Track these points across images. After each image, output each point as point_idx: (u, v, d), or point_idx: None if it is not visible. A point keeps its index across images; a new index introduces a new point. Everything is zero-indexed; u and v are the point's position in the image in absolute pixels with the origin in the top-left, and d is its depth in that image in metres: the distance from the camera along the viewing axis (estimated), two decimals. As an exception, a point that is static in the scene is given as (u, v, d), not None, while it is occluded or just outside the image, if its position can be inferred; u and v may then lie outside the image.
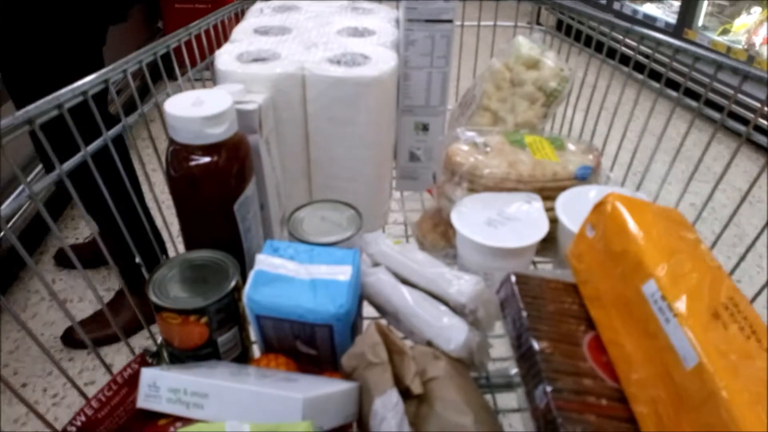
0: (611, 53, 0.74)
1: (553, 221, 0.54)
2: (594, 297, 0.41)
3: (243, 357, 0.48)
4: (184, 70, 0.66)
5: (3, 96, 1.19)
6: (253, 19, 0.74)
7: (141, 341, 1.21)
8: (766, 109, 0.55)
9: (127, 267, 1.23)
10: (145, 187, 0.57)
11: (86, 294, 1.44)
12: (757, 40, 2.20)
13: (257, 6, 0.79)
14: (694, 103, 0.62)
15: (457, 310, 0.44)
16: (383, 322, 0.46)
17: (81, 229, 1.65)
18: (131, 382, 0.41)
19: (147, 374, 0.36)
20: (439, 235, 0.62)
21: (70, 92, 0.45)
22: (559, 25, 0.82)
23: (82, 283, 1.47)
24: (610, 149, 0.74)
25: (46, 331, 1.32)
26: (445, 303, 0.45)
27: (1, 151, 0.38)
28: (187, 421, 0.35)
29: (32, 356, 1.26)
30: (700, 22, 2.49)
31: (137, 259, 0.56)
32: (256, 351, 0.48)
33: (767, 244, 0.53)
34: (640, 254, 0.36)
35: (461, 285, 0.45)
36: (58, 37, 0.99)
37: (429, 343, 0.43)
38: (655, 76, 0.66)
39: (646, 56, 0.68)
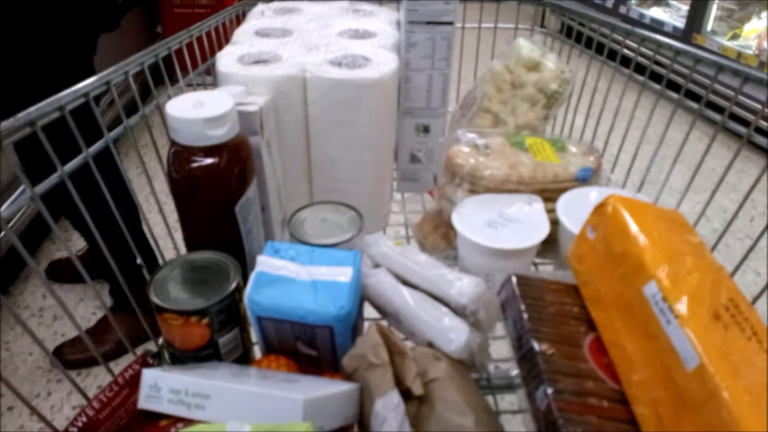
0: (612, 55, 0.74)
1: (554, 223, 0.54)
2: (595, 298, 0.41)
3: (244, 358, 0.48)
4: (185, 73, 0.66)
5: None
6: (254, 21, 0.74)
7: (139, 352, 1.20)
8: (767, 110, 0.55)
9: (118, 282, 1.19)
10: (147, 189, 0.57)
11: (78, 310, 1.39)
12: (768, 45, 2.17)
13: (258, 8, 0.79)
14: (695, 105, 0.62)
15: (457, 311, 0.44)
16: (384, 323, 0.46)
17: (74, 241, 1.58)
18: (132, 382, 0.41)
19: (148, 375, 0.36)
20: (440, 236, 0.62)
21: (72, 94, 0.46)
22: (569, 31, 0.82)
23: (73, 298, 1.42)
24: (611, 151, 0.74)
25: (35, 350, 1.28)
26: (446, 304, 0.45)
27: (0, 153, 0.38)
28: (188, 421, 0.35)
29: (19, 377, 1.21)
30: (709, 26, 2.43)
31: (138, 260, 0.56)
32: (257, 352, 0.48)
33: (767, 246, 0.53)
34: (641, 256, 0.36)
35: (462, 286, 0.45)
36: (47, 46, 0.96)
37: (430, 345, 0.43)
38: (656, 78, 0.66)
39: (648, 58, 0.68)
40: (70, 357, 1.22)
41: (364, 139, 0.63)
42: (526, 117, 0.70)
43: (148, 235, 0.58)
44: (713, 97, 0.66)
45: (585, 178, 0.59)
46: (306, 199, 0.68)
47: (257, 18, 0.76)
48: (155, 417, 0.36)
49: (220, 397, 0.34)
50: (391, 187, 0.75)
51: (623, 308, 0.37)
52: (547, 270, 0.61)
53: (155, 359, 0.52)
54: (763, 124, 1.88)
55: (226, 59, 0.61)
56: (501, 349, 0.49)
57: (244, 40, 0.67)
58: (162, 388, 0.36)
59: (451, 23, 0.66)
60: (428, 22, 0.65)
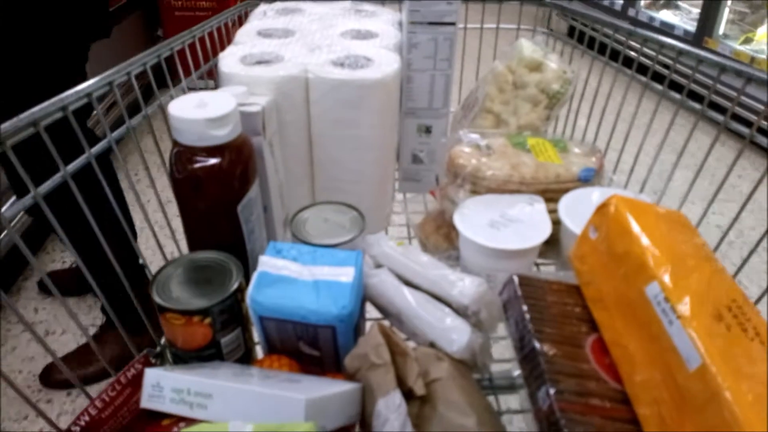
0: (615, 56, 0.74)
1: (556, 223, 0.54)
2: (597, 299, 0.41)
3: (246, 358, 0.48)
4: (188, 74, 0.66)
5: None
6: (256, 21, 0.74)
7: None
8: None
9: (114, 296, 1.14)
10: (149, 189, 0.57)
11: (70, 325, 1.32)
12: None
13: (261, 9, 0.80)
14: (697, 106, 0.62)
15: (459, 311, 0.44)
16: (386, 323, 0.46)
17: (68, 252, 1.48)
18: (135, 382, 0.41)
19: (150, 374, 0.36)
20: (441, 236, 0.62)
21: (74, 94, 0.46)
22: (572, 32, 0.82)
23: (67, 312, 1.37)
24: (613, 151, 0.74)
25: (25, 368, 1.21)
26: (448, 305, 0.45)
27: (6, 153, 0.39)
28: (190, 421, 0.35)
29: (9, 397, 1.14)
30: (721, 30, 2.36)
31: (141, 260, 0.56)
32: (259, 352, 0.48)
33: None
34: (643, 256, 0.36)
35: (464, 286, 0.45)
36: (39, 56, 0.94)
37: (432, 345, 0.43)
38: (658, 78, 0.66)
39: (650, 59, 0.68)
40: (58, 377, 1.16)
41: (366, 139, 0.63)
42: (528, 117, 0.70)
43: (150, 235, 0.58)
44: (716, 98, 0.66)
45: (587, 179, 0.59)
46: (308, 200, 0.69)
47: (259, 18, 0.76)
48: (158, 416, 0.36)
49: (222, 397, 0.34)
50: (393, 187, 0.75)
51: (625, 308, 0.37)
52: (549, 270, 0.61)
53: (158, 359, 0.52)
54: (764, 124, 1.87)
55: (228, 59, 0.61)
56: (503, 349, 0.49)
57: (246, 41, 0.67)
58: (164, 387, 0.36)
59: (453, 24, 0.66)
60: (430, 23, 0.65)
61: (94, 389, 1.12)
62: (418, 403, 0.38)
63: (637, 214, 0.39)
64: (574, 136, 0.80)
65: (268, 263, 0.44)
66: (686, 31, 2.51)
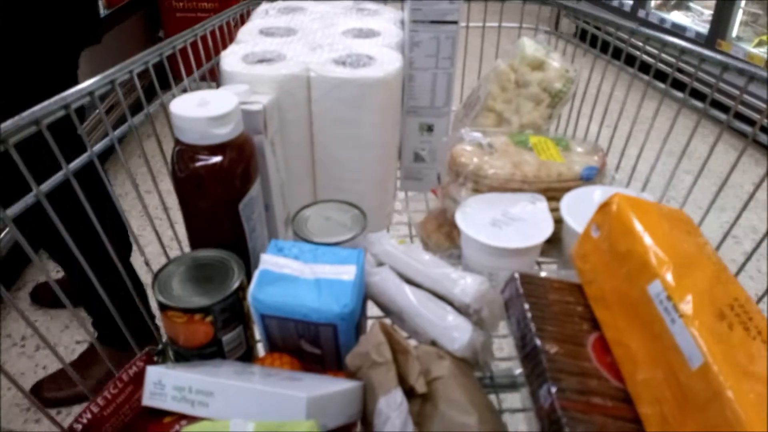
0: (617, 54, 0.74)
1: (558, 222, 0.54)
2: (599, 297, 0.41)
3: (247, 356, 0.48)
4: (189, 73, 0.66)
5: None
6: (258, 20, 0.74)
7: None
8: (772, 109, 0.55)
9: (99, 316, 1.09)
10: (151, 187, 0.57)
11: (62, 339, 1.28)
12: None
13: (262, 7, 0.80)
14: (699, 104, 0.62)
15: (461, 310, 0.44)
16: (387, 321, 0.46)
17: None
18: (136, 380, 0.41)
19: (152, 372, 0.36)
20: (443, 235, 0.62)
21: (77, 93, 0.46)
22: (583, 33, 0.82)
23: (59, 325, 1.32)
24: (615, 150, 0.73)
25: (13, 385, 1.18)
26: (450, 303, 0.45)
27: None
28: (192, 419, 0.35)
29: (8, 397, 1.14)
30: (734, 32, 2.29)
31: (144, 259, 0.56)
32: (260, 350, 0.48)
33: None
34: (645, 254, 0.36)
35: (465, 285, 0.45)
36: (29, 62, 0.92)
37: (433, 343, 0.43)
38: (661, 77, 0.66)
39: (653, 57, 0.67)
40: (48, 395, 1.12)
41: (367, 137, 0.63)
42: (530, 116, 0.70)
43: (152, 233, 0.58)
44: (720, 97, 0.65)
45: (589, 177, 0.59)
46: (310, 198, 0.69)
47: (261, 17, 0.76)
48: (159, 414, 0.36)
49: (223, 395, 0.34)
50: (394, 185, 0.75)
51: (627, 307, 0.37)
52: (551, 269, 0.61)
53: (159, 356, 0.52)
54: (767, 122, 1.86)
55: (230, 58, 0.61)
56: (504, 347, 0.49)
57: (248, 39, 0.67)
58: (166, 385, 0.36)
59: (455, 22, 0.66)
60: (432, 21, 0.65)
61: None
62: (420, 401, 0.38)
63: (640, 212, 0.39)
64: (576, 135, 0.80)
65: (269, 261, 0.45)
66: (698, 33, 2.43)
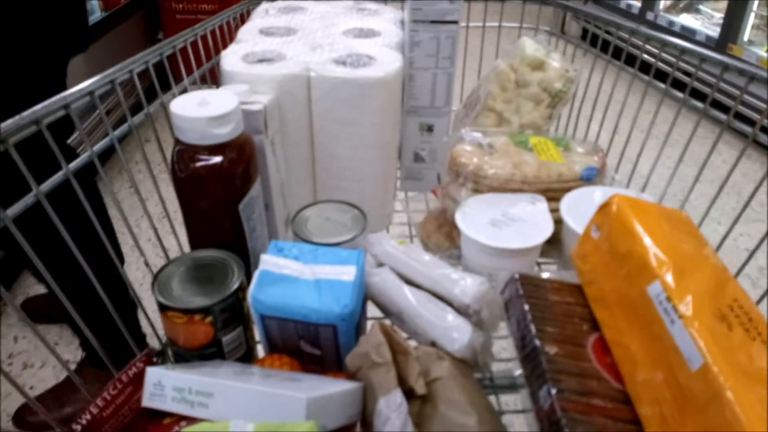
0: (617, 54, 0.74)
1: (558, 222, 0.54)
2: (599, 298, 0.41)
3: (247, 356, 0.48)
4: (190, 72, 0.66)
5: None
6: (258, 20, 0.74)
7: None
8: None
9: (96, 328, 1.07)
10: (152, 187, 0.57)
11: (50, 358, 1.22)
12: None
13: (263, 7, 0.79)
14: (700, 104, 0.62)
15: (461, 310, 0.44)
16: (387, 322, 0.46)
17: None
18: (136, 380, 0.41)
19: (152, 373, 0.36)
20: (443, 235, 0.62)
21: (77, 92, 0.46)
22: (589, 35, 0.82)
23: (48, 341, 1.25)
24: (615, 150, 0.73)
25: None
26: (450, 303, 0.45)
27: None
28: (191, 420, 0.35)
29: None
30: (746, 36, 2.18)
31: (144, 259, 0.56)
32: (260, 351, 0.48)
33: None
34: (645, 255, 0.36)
35: (465, 285, 0.45)
36: (15, 71, 0.89)
37: (433, 344, 0.43)
38: (661, 77, 0.66)
39: (653, 56, 0.67)
40: (32, 419, 1.08)
41: (367, 137, 0.63)
42: (530, 116, 0.70)
43: (152, 233, 0.58)
44: (720, 97, 0.65)
45: (589, 178, 0.59)
46: (310, 198, 0.69)
47: (261, 17, 0.76)
48: (159, 415, 0.36)
49: (223, 396, 0.34)
50: (394, 186, 0.75)
51: (627, 308, 0.37)
52: (551, 269, 0.61)
53: (159, 357, 0.52)
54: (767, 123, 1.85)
55: (230, 58, 0.61)
56: (504, 348, 0.48)
57: (248, 39, 0.67)
58: (166, 386, 0.36)
59: (455, 22, 0.66)
60: (432, 21, 0.65)
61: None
62: (419, 402, 0.38)
63: (640, 213, 0.39)
64: (576, 135, 0.80)
65: (269, 262, 0.44)
66: (708, 37, 2.34)
